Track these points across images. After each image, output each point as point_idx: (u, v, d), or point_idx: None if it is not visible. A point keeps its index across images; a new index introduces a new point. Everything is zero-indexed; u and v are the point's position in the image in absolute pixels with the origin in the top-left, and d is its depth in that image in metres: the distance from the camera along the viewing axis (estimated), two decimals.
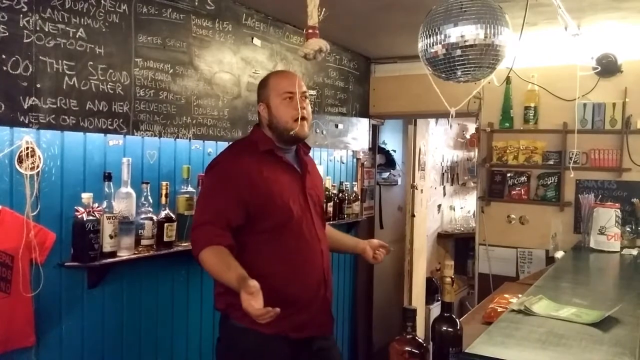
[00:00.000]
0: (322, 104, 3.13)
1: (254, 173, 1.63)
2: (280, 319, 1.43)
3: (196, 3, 2.23)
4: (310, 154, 1.93)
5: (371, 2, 2.40)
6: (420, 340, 1.19)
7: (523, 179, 3.23)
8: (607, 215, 2.34)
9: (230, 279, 1.45)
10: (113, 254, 1.86)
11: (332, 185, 3.14)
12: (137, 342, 2.09)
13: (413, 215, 4.40)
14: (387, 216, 4.22)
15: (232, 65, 2.43)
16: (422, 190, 4.51)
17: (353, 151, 3.54)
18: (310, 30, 1.55)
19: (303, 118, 1.66)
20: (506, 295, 2.02)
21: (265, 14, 2.62)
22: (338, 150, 3.36)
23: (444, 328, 1.24)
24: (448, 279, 1.26)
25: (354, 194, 3.32)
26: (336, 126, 3.22)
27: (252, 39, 2.54)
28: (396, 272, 4.41)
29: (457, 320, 1.26)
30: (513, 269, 3.24)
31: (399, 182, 4.42)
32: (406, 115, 4.02)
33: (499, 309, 1.77)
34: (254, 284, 1.38)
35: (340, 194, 3.19)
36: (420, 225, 4.45)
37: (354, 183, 3.49)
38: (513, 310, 1.35)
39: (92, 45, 1.82)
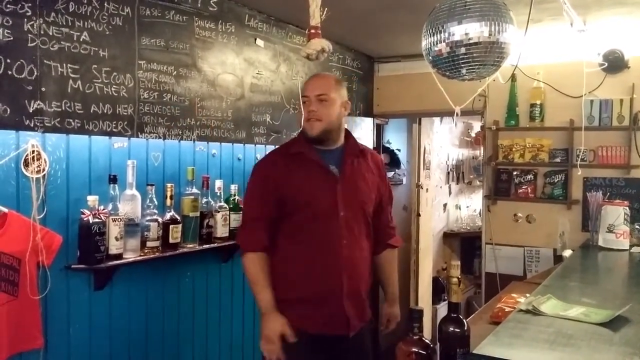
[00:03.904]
0: None
1: (282, 171, 1.74)
2: (295, 311, 1.68)
3: (199, 5, 2.23)
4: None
5: (374, 1, 2.39)
6: (427, 341, 1.18)
7: (529, 177, 3.21)
8: (616, 213, 2.31)
9: (261, 299, 1.71)
10: (119, 256, 1.87)
11: None
12: (143, 344, 2.10)
13: (418, 215, 4.38)
14: (393, 216, 4.19)
15: (235, 66, 2.43)
16: (427, 189, 4.49)
17: None
18: (312, 31, 1.54)
19: (308, 119, 1.74)
20: (514, 295, 2.00)
21: (268, 15, 2.61)
22: None
23: (451, 329, 1.23)
24: (454, 279, 1.24)
25: None
26: None
27: (255, 39, 2.54)
28: (402, 272, 4.39)
29: (464, 320, 1.25)
30: (520, 268, 3.22)
31: (404, 182, 4.40)
32: (410, 114, 4.01)
33: (507, 309, 1.76)
34: (281, 327, 1.66)
35: None
36: (425, 224, 4.43)
37: None
38: (521, 310, 1.34)
39: (96, 49, 1.83)
